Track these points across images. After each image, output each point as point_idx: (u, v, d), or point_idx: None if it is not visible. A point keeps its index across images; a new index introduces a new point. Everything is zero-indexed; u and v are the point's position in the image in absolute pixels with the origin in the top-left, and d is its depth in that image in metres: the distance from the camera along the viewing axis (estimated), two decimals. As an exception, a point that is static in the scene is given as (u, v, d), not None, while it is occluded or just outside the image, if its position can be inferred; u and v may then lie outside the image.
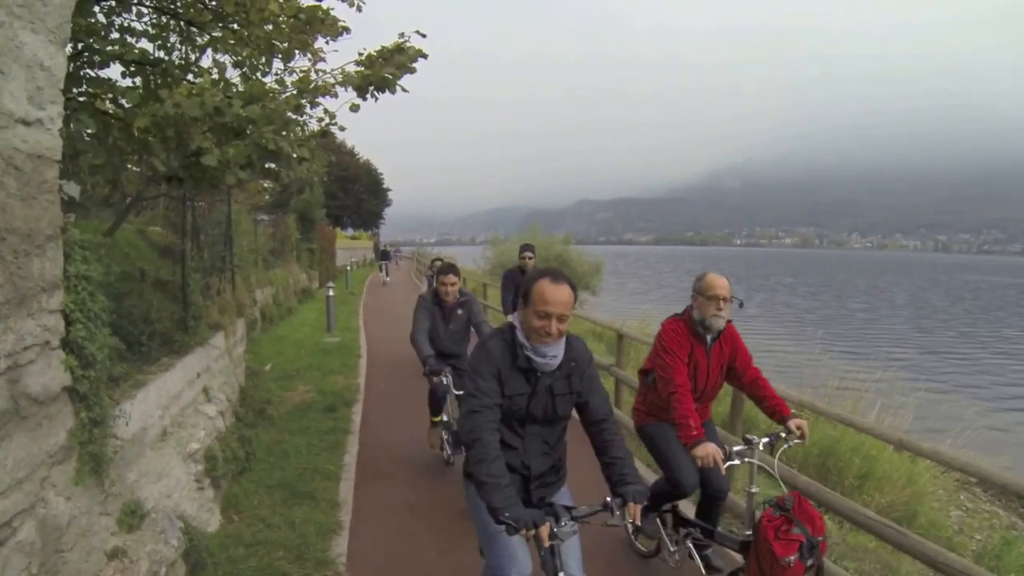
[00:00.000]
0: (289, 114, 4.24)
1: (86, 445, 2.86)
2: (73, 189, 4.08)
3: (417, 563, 4.31)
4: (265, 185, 15.45)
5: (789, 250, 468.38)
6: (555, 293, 2.43)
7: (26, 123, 2.35)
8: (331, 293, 14.92)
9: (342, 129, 5.07)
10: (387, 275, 31.91)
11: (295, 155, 4.32)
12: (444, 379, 5.27)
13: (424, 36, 5.09)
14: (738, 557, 3.42)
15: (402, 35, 5.01)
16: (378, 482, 5.78)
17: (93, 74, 3.95)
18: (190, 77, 4.56)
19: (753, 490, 3.24)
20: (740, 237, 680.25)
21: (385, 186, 58.10)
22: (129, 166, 4.40)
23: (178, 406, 4.53)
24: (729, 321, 3.66)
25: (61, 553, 2.57)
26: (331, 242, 31.16)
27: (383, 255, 35.51)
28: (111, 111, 3.81)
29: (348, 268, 31.58)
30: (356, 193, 52.50)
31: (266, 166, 4.46)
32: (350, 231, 57.21)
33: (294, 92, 4.44)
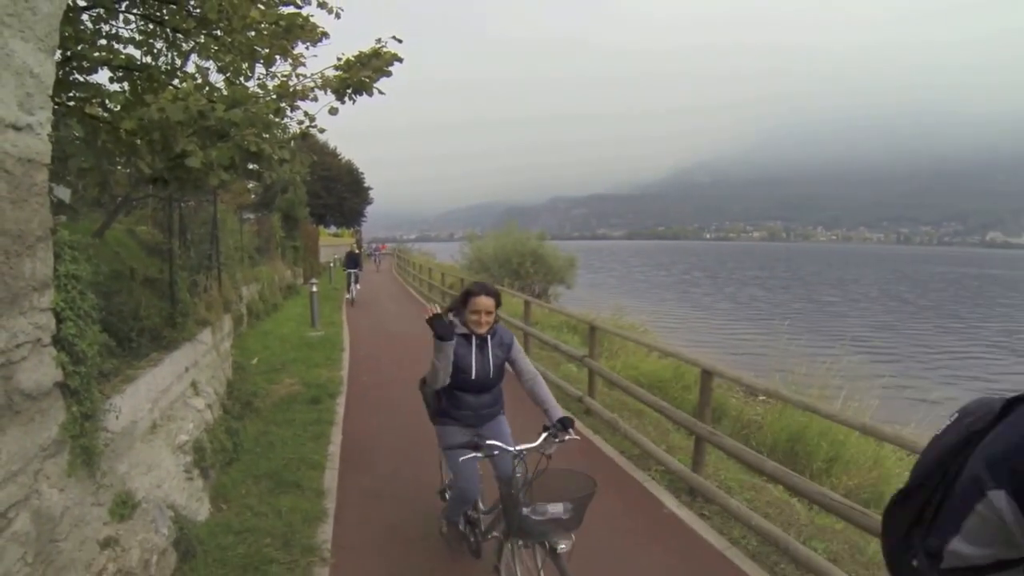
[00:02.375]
0: (270, 117, 4.24)
1: (78, 438, 2.87)
2: (63, 192, 4.05)
3: (401, 549, 4.36)
4: (249, 185, 15.34)
5: (757, 243, 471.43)
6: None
7: (16, 128, 2.35)
8: (315, 289, 14.84)
9: (321, 131, 5.09)
10: (355, 285, 20.01)
11: (276, 157, 4.32)
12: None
13: (400, 41, 5.13)
14: None
15: (379, 40, 5.04)
16: (361, 471, 5.80)
17: (81, 79, 3.92)
18: (175, 82, 4.54)
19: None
20: (710, 231, 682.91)
21: (366, 185, 57.72)
22: (117, 168, 4.37)
23: (167, 400, 4.52)
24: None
25: (55, 543, 2.58)
26: (315, 240, 30.94)
27: (350, 260, 20.47)
28: (99, 115, 3.78)
29: (331, 265, 31.42)
30: (338, 192, 52.04)
31: (249, 167, 4.45)
32: (333, 229, 56.78)
33: (274, 96, 4.45)
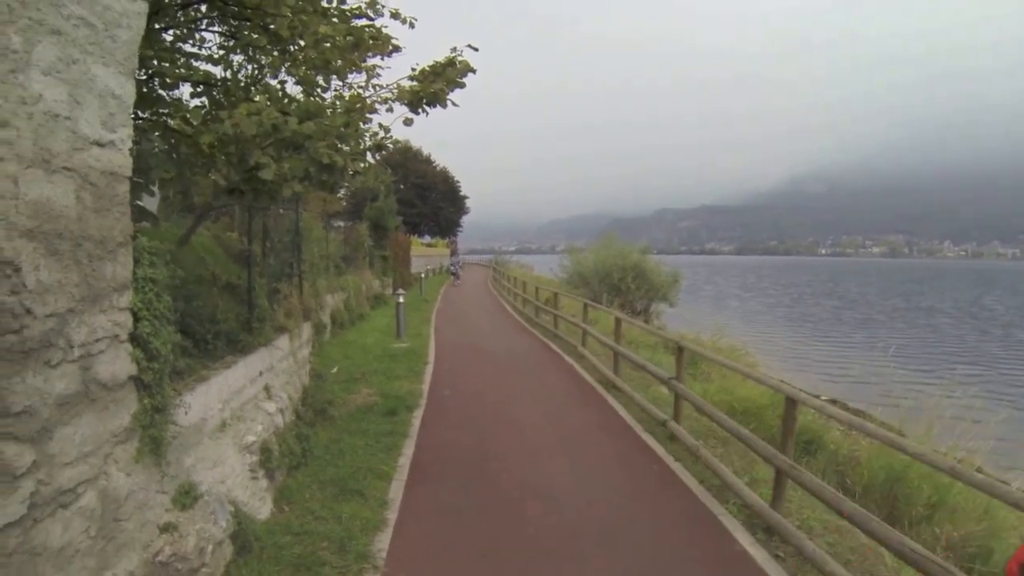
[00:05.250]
0: (342, 129, 4.62)
1: (147, 428, 3.29)
2: (149, 201, 4.60)
3: (456, 563, 4.55)
4: (339, 194, 16.23)
5: (877, 260, 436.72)
6: None
7: (100, 145, 2.78)
8: (401, 300, 15.50)
9: (395, 143, 5.43)
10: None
11: (350, 169, 4.69)
12: None
13: (476, 50, 5.40)
14: None
15: (454, 49, 5.35)
16: (429, 484, 6.05)
17: (164, 95, 4.46)
18: (254, 93, 5.03)
19: None
20: (825, 246, 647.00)
21: (463, 194, 59.03)
22: (198, 177, 4.89)
23: (239, 401, 4.98)
24: None
25: (119, 522, 2.98)
26: (405, 250, 31.89)
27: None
28: (181, 129, 4.28)
29: (423, 275, 32.23)
30: (433, 201, 53.57)
31: (323, 179, 4.85)
32: (427, 239, 58.33)
33: (342, 110, 4.83)
